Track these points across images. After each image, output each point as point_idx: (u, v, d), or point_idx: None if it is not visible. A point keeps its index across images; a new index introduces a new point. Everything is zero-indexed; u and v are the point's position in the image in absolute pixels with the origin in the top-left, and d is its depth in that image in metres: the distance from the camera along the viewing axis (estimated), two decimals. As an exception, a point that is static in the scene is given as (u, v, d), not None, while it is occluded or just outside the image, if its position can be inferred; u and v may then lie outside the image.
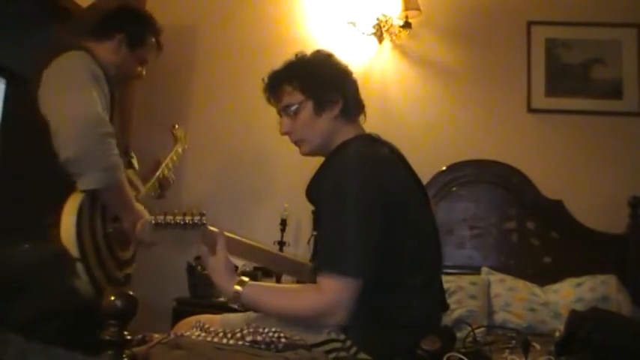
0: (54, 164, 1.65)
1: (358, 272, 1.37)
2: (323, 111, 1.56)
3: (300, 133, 1.59)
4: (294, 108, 1.58)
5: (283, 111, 1.61)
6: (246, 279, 1.45)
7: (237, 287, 1.42)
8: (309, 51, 1.66)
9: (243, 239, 1.54)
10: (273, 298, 1.44)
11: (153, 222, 1.44)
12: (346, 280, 1.35)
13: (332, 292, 1.35)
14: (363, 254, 1.38)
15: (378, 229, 1.40)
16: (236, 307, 1.45)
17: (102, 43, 1.91)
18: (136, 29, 1.98)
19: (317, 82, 1.58)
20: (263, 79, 1.64)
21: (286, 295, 1.45)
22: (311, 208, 1.59)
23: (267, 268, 1.71)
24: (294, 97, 1.58)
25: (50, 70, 1.73)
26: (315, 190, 1.56)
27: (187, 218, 1.44)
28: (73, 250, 1.61)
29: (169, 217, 1.43)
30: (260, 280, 2.44)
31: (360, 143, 1.54)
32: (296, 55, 1.64)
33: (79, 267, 1.61)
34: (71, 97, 1.70)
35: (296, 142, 1.63)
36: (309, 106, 1.56)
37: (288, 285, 1.53)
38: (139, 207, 1.80)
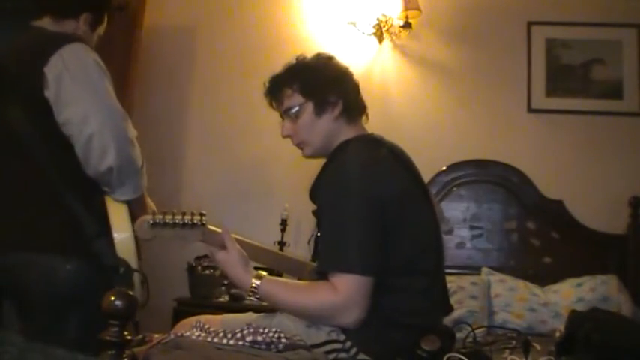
0: (78, 173, 1.56)
1: (368, 270, 1.38)
2: (323, 112, 1.57)
3: (302, 136, 1.60)
4: (294, 110, 1.58)
5: (285, 114, 1.62)
6: (263, 272, 1.47)
7: (255, 280, 1.43)
8: (309, 52, 1.67)
9: (243, 238, 1.55)
10: (290, 293, 1.45)
11: (150, 221, 1.42)
12: (358, 278, 1.37)
13: (346, 289, 1.36)
14: (369, 252, 1.39)
15: (379, 229, 1.41)
16: (254, 299, 1.45)
17: (62, 22, 1.72)
18: (99, 6, 1.82)
19: (317, 84, 1.58)
20: (264, 83, 1.65)
21: (303, 291, 1.45)
22: (311, 208, 1.59)
23: (268, 267, 1.71)
24: (294, 99, 1.58)
25: (53, 68, 1.54)
26: (317, 192, 1.56)
27: (187, 218, 1.43)
28: (133, 262, 1.55)
29: (168, 217, 1.42)
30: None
31: (360, 144, 1.54)
32: (297, 58, 1.65)
33: (136, 277, 1.55)
34: (99, 100, 1.56)
35: (298, 145, 1.63)
36: (310, 107, 1.57)
37: (303, 282, 1.53)
38: (152, 205, 1.75)
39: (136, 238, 1.58)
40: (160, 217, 1.42)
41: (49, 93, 1.54)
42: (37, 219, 1.58)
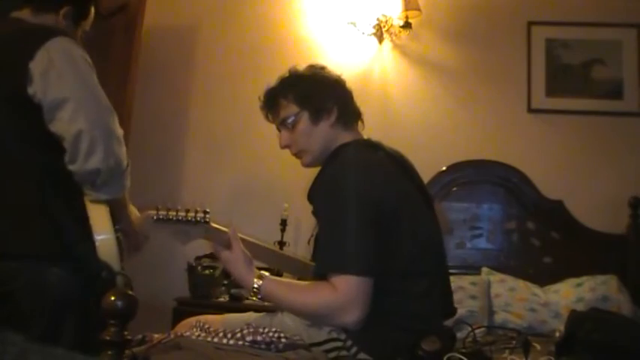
0: (59, 174, 1.49)
1: (367, 271, 1.38)
2: (320, 119, 1.59)
3: (300, 144, 1.62)
4: (291, 120, 1.60)
5: (281, 125, 1.64)
6: (266, 273, 1.48)
7: (257, 280, 1.45)
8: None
9: (246, 237, 1.55)
10: (291, 293, 1.46)
11: (155, 217, 1.42)
12: (357, 279, 1.37)
13: (346, 289, 1.37)
14: (367, 254, 1.40)
15: (375, 230, 1.41)
16: (256, 299, 1.46)
17: (42, 15, 1.64)
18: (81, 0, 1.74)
19: (311, 92, 1.61)
20: (259, 97, 1.67)
21: (303, 291, 1.46)
22: (311, 208, 1.59)
23: (270, 266, 1.72)
24: (289, 109, 1.61)
25: (39, 63, 1.46)
26: (314, 193, 1.57)
27: (190, 215, 1.44)
28: (115, 264, 1.50)
29: (172, 213, 1.42)
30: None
31: (357, 147, 1.56)
32: (289, 71, 1.68)
33: (119, 280, 1.48)
34: (88, 96, 1.49)
35: (297, 154, 1.65)
36: (306, 116, 1.59)
37: (305, 282, 1.54)
38: (133, 208, 1.69)
39: (118, 239, 1.54)
40: (164, 212, 1.43)
41: (33, 89, 1.46)
42: (19, 224, 1.50)
